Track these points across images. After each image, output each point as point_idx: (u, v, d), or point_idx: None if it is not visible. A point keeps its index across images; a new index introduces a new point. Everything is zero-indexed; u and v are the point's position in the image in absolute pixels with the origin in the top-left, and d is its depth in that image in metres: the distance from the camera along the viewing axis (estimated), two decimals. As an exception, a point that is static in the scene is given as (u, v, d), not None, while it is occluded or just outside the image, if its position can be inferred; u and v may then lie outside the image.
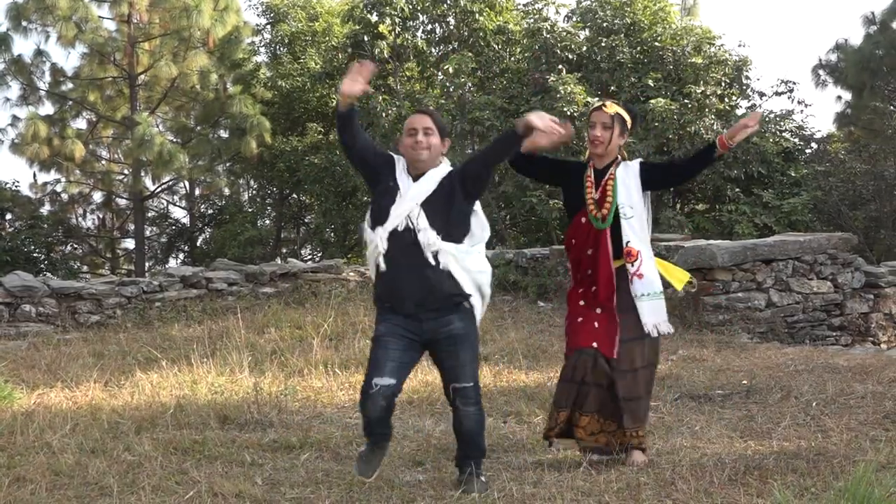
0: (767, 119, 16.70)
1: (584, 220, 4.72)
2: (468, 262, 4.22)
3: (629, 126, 4.78)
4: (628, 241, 4.65)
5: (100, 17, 18.09)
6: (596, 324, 4.61)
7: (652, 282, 4.68)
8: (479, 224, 4.34)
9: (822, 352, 7.83)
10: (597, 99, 4.85)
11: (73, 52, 29.53)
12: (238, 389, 6.60)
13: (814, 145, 17.13)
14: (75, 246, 22.30)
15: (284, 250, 22.86)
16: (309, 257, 23.43)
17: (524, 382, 6.84)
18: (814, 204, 14.84)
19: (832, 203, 14.86)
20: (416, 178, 4.22)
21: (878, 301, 9.84)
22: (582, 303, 4.69)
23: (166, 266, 22.10)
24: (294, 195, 22.55)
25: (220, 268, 11.27)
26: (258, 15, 20.70)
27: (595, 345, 4.58)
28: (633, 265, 4.65)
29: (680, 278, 4.94)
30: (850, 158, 15.81)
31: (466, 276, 4.20)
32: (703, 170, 5.04)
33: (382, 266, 4.17)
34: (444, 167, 4.29)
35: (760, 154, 15.63)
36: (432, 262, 4.12)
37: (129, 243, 23.39)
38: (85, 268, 22.41)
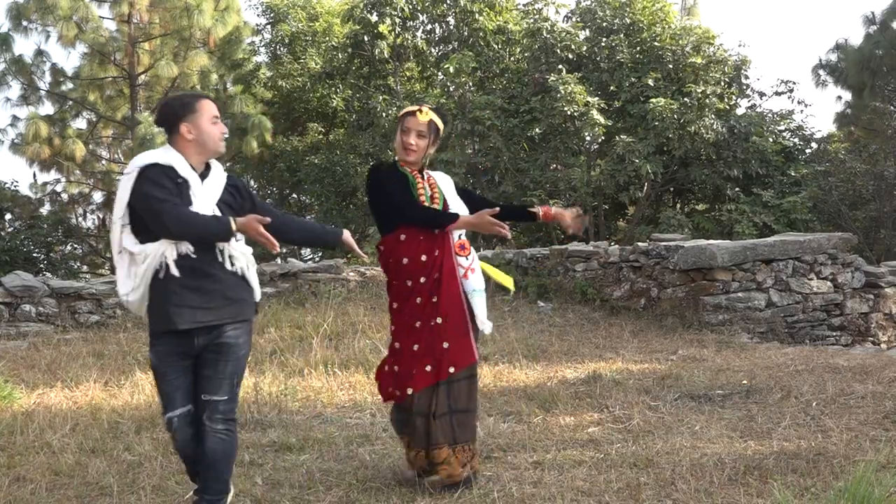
0: (767, 118, 16.72)
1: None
2: None
3: (440, 134, 4.33)
4: (461, 234, 4.28)
5: (100, 16, 18.10)
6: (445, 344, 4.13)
7: (481, 278, 4.33)
8: None
9: (822, 352, 7.83)
10: (413, 103, 4.27)
11: (73, 52, 29.64)
12: (238, 389, 6.60)
13: (814, 145, 17.14)
14: (75, 246, 22.24)
15: (284, 250, 22.83)
16: (309, 257, 23.38)
17: (524, 382, 6.83)
18: (813, 203, 14.83)
19: (832, 203, 14.86)
20: None
21: (878, 301, 9.84)
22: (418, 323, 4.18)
23: (166, 266, 22.01)
24: (294, 195, 22.54)
25: (221, 268, 11.24)
26: (258, 15, 20.74)
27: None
28: (467, 259, 4.27)
29: (509, 279, 4.67)
30: (850, 158, 15.79)
31: None
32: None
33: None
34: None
35: (760, 154, 15.64)
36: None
37: (129, 243, 23.34)
38: (85, 268, 22.36)
